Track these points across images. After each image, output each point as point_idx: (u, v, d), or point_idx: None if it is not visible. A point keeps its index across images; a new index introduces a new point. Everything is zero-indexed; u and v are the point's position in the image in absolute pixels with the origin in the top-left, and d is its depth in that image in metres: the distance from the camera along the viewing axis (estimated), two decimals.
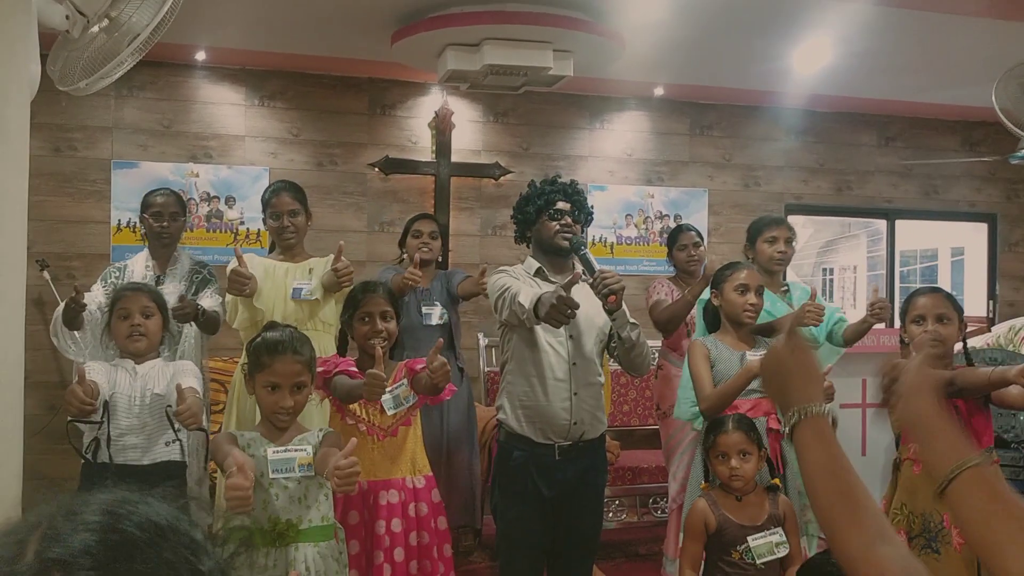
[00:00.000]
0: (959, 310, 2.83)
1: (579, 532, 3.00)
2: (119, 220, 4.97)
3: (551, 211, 3.01)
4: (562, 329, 2.92)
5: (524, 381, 2.93)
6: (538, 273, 3.04)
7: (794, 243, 3.77)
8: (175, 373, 2.85)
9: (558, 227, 2.99)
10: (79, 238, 4.92)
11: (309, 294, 3.35)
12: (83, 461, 2.82)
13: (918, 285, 8.72)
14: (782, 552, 2.57)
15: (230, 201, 5.13)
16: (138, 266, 3.79)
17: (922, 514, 2.69)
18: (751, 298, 3.07)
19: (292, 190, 3.52)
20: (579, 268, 2.94)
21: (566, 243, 2.98)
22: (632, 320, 2.95)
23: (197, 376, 2.93)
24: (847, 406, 3.75)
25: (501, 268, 3.09)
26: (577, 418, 2.91)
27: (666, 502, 4.62)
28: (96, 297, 3.53)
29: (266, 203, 3.53)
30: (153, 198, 3.83)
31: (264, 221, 3.57)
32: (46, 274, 4.64)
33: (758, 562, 2.55)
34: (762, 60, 4.95)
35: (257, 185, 4.96)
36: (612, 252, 5.72)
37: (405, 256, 4.20)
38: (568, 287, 2.58)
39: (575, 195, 3.04)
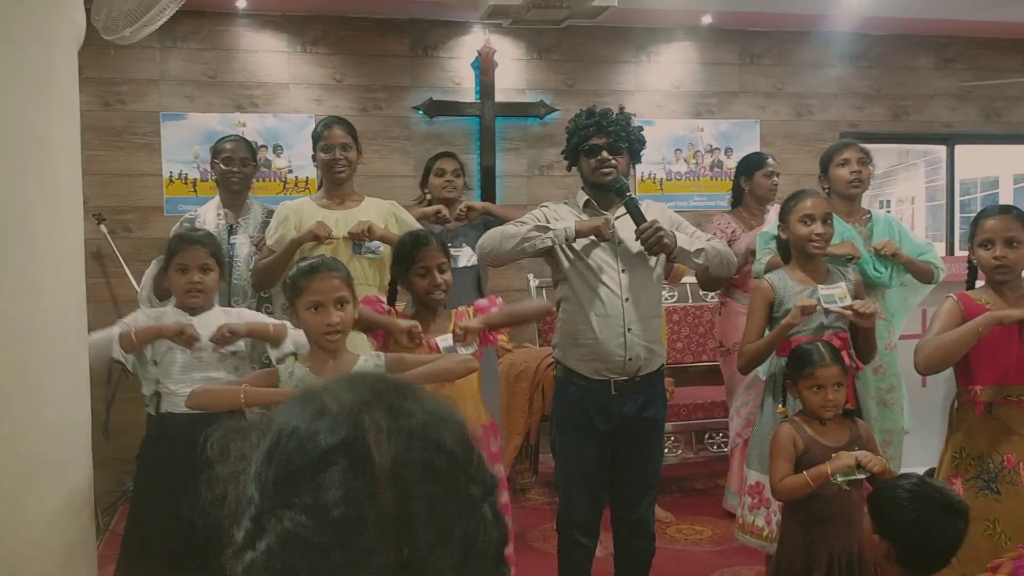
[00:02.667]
0: None
1: (638, 467, 2.99)
2: (170, 172, 5.01)
3: (585, 147, 2.96)
4: (615, 264, 2.91)
5: (577, 318, 2.92)
6: (587, 205, 3.02)
7: (870, 165, 3.63)
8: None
9: (594, 163, 2.95)
10: (132, 191, 4.98)
11: (372, 252, 3.27)
12: (147, 413, 2.90)
13: None
14: (862, 474, 2.50)
15: (278, 150, 5.14)
16: (209, 214, 3.79)
17: (978, 456, 2.65)
18: (817, 228, 2.93)
19: (344, 124, 3.49)
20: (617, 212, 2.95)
21: (606, 179, 2.94)
22: (697, 247, 2.91)
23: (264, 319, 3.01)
24: (906, 337, 3.67)
25: (543, 204, 3.07)
26: (632, 354, 2.89)
27: (722, 437, 4.61)
28: None
29: (318, 137, 3.47)
30: (223, 144, 3.86)
31: (314, 158, 3.52)
32: (103, 228, 4.72)
33: (840, 480, 2.49)
34: None
35: (303, 132, 4.95)
36: (661, 188, 5.62)
37: (428, 196, 4.09)
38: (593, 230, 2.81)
39: (611, 126, 2.94)
